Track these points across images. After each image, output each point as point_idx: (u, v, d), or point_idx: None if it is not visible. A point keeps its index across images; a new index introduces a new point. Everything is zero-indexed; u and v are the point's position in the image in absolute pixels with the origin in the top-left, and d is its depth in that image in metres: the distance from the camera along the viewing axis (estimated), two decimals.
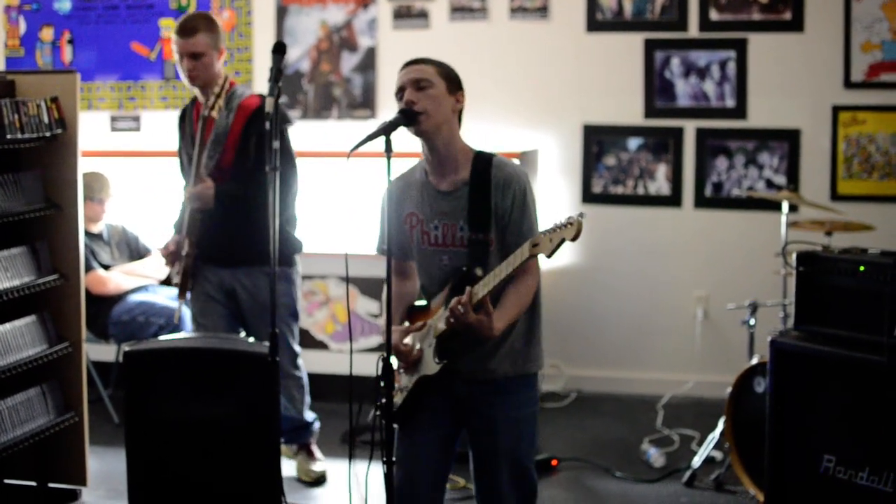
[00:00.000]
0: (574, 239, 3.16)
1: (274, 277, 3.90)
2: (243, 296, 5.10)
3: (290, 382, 5.23)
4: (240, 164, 4.97)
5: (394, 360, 3.49)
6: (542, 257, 3.26)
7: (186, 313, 6.04)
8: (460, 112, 3.52)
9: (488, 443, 3.55)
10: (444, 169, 3.50)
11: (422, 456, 3.57)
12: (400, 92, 3.44)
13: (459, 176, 3.48)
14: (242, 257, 5.02)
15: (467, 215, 3.44)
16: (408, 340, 3.52)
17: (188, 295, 5.21)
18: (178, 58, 4.98)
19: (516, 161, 5.71)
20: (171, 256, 5.17)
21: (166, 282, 6.56)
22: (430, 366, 3.44)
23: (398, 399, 3.52)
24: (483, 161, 3.48)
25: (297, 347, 5.29)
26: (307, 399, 5.34)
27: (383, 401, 3.34)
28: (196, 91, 5.06)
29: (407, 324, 3.60)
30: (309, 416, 5.36)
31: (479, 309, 3.28)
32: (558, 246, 3.19)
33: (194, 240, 5.07)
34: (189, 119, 5.17)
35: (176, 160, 5.30)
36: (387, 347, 3.33)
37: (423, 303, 3.61)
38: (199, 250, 5.08)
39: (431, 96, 3.40)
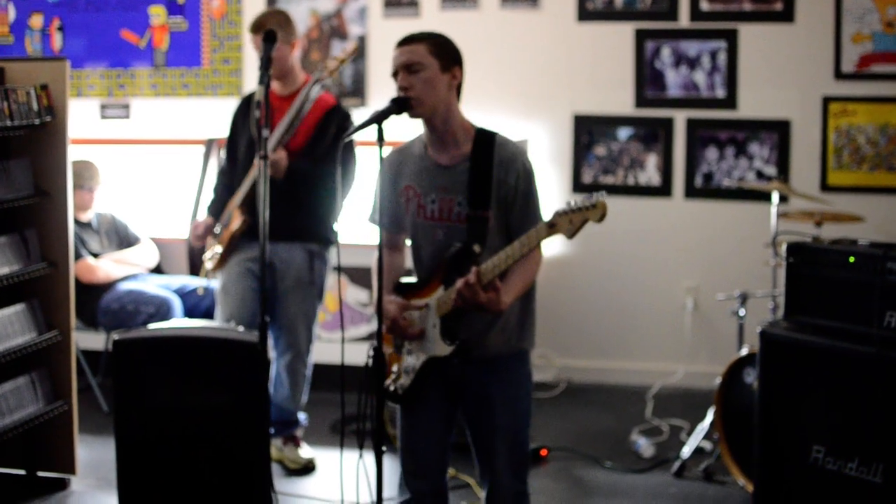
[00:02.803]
0: (600, 220, 3.13)
1: (263, 262, 3.90)
2: (280, 268, 5.17)
3: (300, 367, 5.29)
4: (307, 151, 5.10)
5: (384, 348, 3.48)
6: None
7: (176, 302, 6.05)
8: (459, 86, 3.50)
9: (486, 423, 3.56)
10: (443, 144, 3.49)
11: (426, 434, 3.59)
12: (395, 74, 3.43)
13: (460, 150, 3.47)
14: (283, 232, 5.07)
15: (467, 190, 3.43)
16: (407, 315, 3.51)
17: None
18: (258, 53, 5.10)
19: None
20: (204, 235, 5.30)
21: (156, 270, 6.56)
22: (440, 347, 3.42)
23: (405, 381, 3.51)
24: (486, 137, 3.47)
25: (316, 331, 5.37)
26: (307, 393, 5.36)
27: (378, 386, 3.35)
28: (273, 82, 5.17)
29: (394, 296, 3.58)
30: (301, 414, 5.39)
31: (487, 287, 3.27)
32: (580, 227, 3.16)
33: (247, 215, 5.14)
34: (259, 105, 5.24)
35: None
36: (378, 334, 3.33)
37: (411, 280, 3.59)
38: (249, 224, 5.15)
39: (424, 79, 3.39)
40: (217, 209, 5.35)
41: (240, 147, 5.29)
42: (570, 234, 3.17)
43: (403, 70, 3.40)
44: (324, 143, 5.13)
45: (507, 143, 3.49)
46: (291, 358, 5.26)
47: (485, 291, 3.26)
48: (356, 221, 5.80)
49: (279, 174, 4.97)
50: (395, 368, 3.55)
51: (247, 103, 5.33)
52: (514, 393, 3.57)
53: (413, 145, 3.60)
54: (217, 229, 5.28)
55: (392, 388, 3.54)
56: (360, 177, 5.23)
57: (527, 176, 3.46)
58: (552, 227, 3.20)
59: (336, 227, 5.19)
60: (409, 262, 3.70)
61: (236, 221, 5.18)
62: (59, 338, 4.81)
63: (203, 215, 5.42)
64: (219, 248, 5.25)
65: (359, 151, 5.25)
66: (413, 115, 3.43)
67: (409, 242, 3.65)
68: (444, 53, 3.45)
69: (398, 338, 3.54)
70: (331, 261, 5.34)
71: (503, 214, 3.45)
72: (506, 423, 3.55)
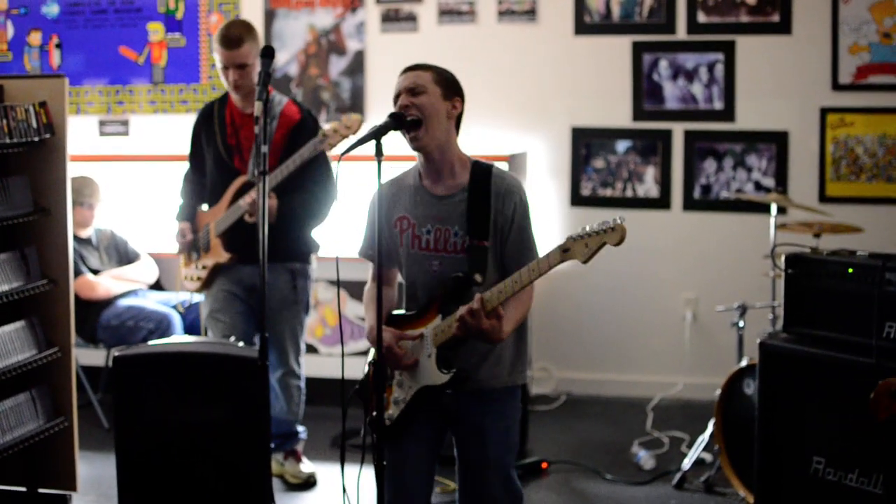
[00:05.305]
0: (618, 244, 3.10)
1: (264, 278, 3.91)
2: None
3: (293, 381, 5.29)
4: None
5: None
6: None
7: (176, 318, 6.05)
8: (458, 117, 3.52)
9: (477, 453, 3.56)
10: (439, 174, 3.51)
11: (412, 466, 3.56)
12: (397, 98, 3.46)
13: (456, 181, 3.50)
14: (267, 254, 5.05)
15: (466, 221, 3.45)
16: (402, 344, 3.50)
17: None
18: (222, 67, 5.06)
19: (505, 164, 5.73)
20: (189, 244, 5.27)
21: (156, 286, 6.56)
22: (436, 376, 3.42)
23: (393, 412, 3.51)
24: (482, 169, 3.51)
25: (303, 346, 5.36)
26: (303, 405, 5.36)
27: (374, 412, 3.34)
28: (236, 97, 5.13)
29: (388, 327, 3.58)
30: (300, 427, 5.39)
31: (490, 314, 3.28)
32: (597, 251, 3.14)
33: (230, 250, 5.15)
34: (219, 118, 5.23)
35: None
36: (378, 351, 3.33)
37: (402, 312, 3.60)
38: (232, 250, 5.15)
39: (424, 103, 3.41)
40: (188, 214, 5.34)
41: (206, 161, 5.27)
42: (586, 259, 3.14)
43: (406, 92, 3.43)
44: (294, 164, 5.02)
45: (503, 175, 3.52)
46: (283, 374, 5.26)
47: (487, 318, 3.28)
48: (352, 237, 5.84)
49: (271, 219, 4.86)
50: (385, 398, 3.54)
51: (206, 116, 5.29)
52: (506, 426, 3.60)
53: (407, 176, 3.62)
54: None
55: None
56: (342, 190, 5.19)
57: (523, 208, 3.49)
58: (565, 252, 3.20)
59: (315, 238, 5.21)
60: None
61: (220, 256, 5.17)
62: (59, 354, 4.80)
63: (176, 222, 5.35)
64: (198, 271, 5.23)
65: (334, 165, 5.19)
66: (414, 146, 3.45)
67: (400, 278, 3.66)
68: (447, 84, 3.50)
69: (391, 368, 3.54)
70: (313, 275, 5.33)
71: (498, 245, 3.47)
72: (497, 456, 3.56)
